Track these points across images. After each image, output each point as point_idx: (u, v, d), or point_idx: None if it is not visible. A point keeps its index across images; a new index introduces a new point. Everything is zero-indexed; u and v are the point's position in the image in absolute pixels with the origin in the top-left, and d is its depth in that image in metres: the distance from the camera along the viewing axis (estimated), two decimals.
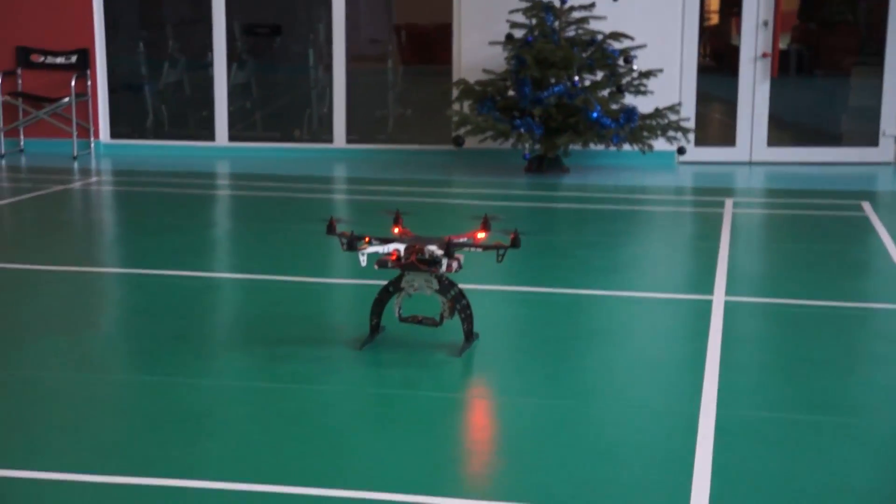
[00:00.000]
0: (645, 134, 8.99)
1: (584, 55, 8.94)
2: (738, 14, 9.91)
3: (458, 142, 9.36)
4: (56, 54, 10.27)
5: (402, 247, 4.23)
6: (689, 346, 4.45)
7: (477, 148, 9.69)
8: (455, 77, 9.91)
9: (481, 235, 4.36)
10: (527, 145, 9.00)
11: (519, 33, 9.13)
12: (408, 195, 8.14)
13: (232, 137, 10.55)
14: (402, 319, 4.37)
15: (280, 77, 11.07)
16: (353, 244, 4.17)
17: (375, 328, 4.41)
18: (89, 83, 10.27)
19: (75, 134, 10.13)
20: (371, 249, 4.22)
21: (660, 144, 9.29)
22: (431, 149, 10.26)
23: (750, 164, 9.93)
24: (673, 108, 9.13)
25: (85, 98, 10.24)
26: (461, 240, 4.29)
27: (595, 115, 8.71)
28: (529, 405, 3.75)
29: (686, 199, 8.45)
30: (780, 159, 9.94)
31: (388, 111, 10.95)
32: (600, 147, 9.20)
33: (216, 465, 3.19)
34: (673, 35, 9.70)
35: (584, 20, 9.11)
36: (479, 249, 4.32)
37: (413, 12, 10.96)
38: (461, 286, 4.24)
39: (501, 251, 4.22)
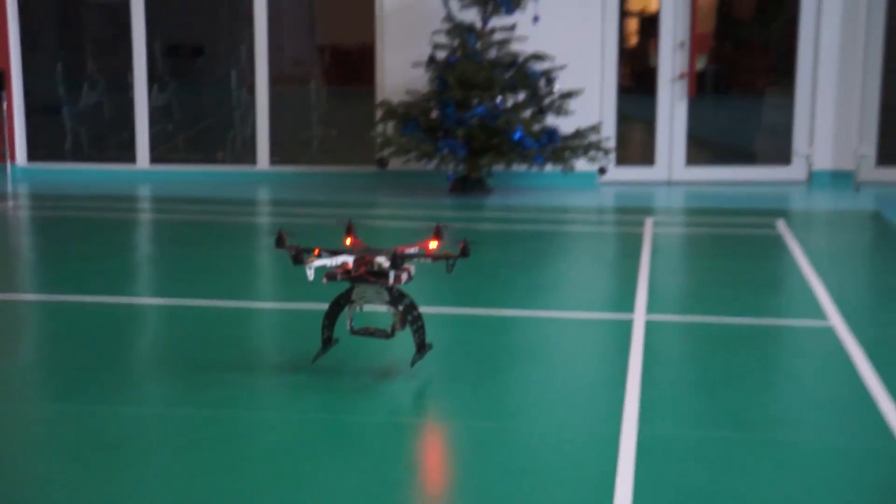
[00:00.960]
0: (567, 154, 9.06)
1: (505, 76, 9.01)
2: (656, 35, 10.04)
3: (383, 163, 9.37)
4: None
5: (350, 259, 4.17)
6: (610, 364, 4.48)
7: (401, 169, 9.70)
8: (378, 98, 9.92)
9: (433, 245, 4.30)
10: (450, 166, 9.03)
11: (441, 55, 9.17)
12: (332, 217, 8.11)
13: (153, 160, 10.45)
14: (353, 332, 4.30)
15: (202, 98, 11.00)
16: (299, 257, 4.12)
17: (328, 341, 4.32)
18: (5, 105, 10.11)
19: None
20: (319, 262, 4.15)
21: (581, 164, 9.38)
22: (356, 170, 10.26)
23: (669, 183, 10.05)
24: (594, 129, 9.22)
25: (0, 120, 10.08)
26: (411, 250, 4.23)
27: (517, 135, 8.77)
28: (455, 427, 3.76)
29: (607, 218, 8.53)
30: (698, 178, 10.07)
31: (312, 133, 10.92)
32: (523, 167, 9.27)
33: (138, 496, 3.15)
34: (593, 56, 9.80)
35: (506, 41, 9.17)
36: (430, 260, 4.27)
37: (336, 33, 10.95)
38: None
39: (451, 261, 4.18)
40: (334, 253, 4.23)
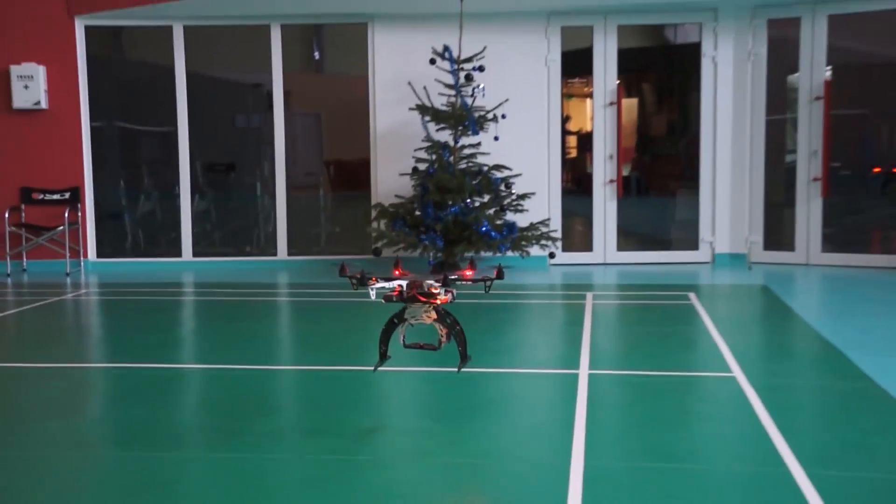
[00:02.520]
0: (523, 243, 9.12)
1: (473, 183, 9.09)
2: (591, 150, 10.16)
3: (377, 252, 9.39)
4: (52, 192, 10.13)
5: (404, 283, 4.14)
6: (561, 410, 4.48)
7: (392, 256, 9.72)
8: (373, 201, 9.98)
9: (469, 273, 4.28)
10: (431, 253, 9.07)
11: (423, 166, 9.25)
12: (338, 295, 8.11)
13: (195, 254, 10.45)
14: (406, 346, 4.23)
15: (234, 204, 11.04)
16: (364, 281, 4.08)
17: (383, 355, 4.26)
18: (79, 214, 10.13)
19: (68, 255, 9.96)
20: (379, 285, 4.12)
21: (535, 251, 9.44)
22: (356, 258, 10.27)
23: (604, 264, 10.09)
24: (544, 223, 9.29)
25: (76, 226, 10.09)
26: (453, 276, 4.20)
27: (484, 228, 8.82)
28: (435, 465, 3.74)
29: (556, 293, 8.55)
30: (626, 260, 10.13)
31: (321, 229, 10.96)
32: (489, 253, 9.32)
33: None
34: (542, 166, 9.91)
35: (473, 155, 9.27)
36: (470, 282, 4.23)
37: (340, 150, 11.05)
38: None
39: (488, 283, 4.15)
40: (388, 280, 4.18)
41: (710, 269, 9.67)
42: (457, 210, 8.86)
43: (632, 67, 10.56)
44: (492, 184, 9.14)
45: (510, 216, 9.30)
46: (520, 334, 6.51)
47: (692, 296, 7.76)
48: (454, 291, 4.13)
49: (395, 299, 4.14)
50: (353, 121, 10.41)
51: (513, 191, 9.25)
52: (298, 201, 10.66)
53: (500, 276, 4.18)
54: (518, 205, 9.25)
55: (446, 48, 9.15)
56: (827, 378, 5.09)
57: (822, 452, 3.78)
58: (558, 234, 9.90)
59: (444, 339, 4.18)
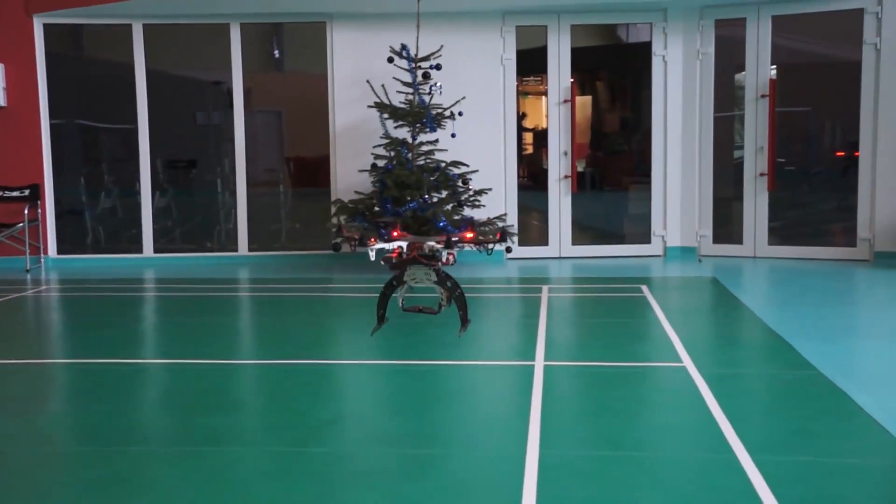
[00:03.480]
0: (481, 238, 9.10)
1: (431, 179, 9.08)
2: (546, 146, 10.20)
3: (336, 248, 9.32)
4: (12, 189, 9.95)
5: (404, 244, 3.98)
6: (517, 401, 4.49)
7: (351, 253, 9.69)
8: (333, 197, 9.93)
9: (469, 235, 4.14)
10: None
11: (381, 163, 9.22)
12: (298, 290, 8.07)
13: (156, 250, 10.33)
14: (405, 309, 4.11)
15: (195, 200, 10.92)
16: (363, 241, 3.96)
17: (381, 318, 4.10)
18: (39, 210, 9.96)
19: (28, 251, 9.78)
20: (378, 246, 3.98)
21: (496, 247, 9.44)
22: (315, 253, 10.22)
23: (560, 258, 10.14)
24: (501, 218, 9.30)
25: (36, 223, 9.92)
26: (455, 238, 4.06)
27: (442, 223, 8.81)
28: (393, 456, 3.73)
29: (513, 286, 8.58)
30: (580, 254, 10.19)
31: (281, 225, 10.88)
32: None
33: None
34: (498, 162, 9.93)
35: (431, 152, 9.26)
36: (472, 245, 4.12)
37: (300, 147, 10.98)
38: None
39: (490, 245, 4.04)
40: (388, 241, 4.02)
41: (661, 262, 9.75)
42: (415, 205, 8.84)
43: (585, 66, 10.61)
44: (449, 180, 9.14)
45: (467, 211, 9.31)
46: (477, 327, 6.51)
47: (644, 288, 7.82)
48: (455, 253, 3.99)
49: (394, 261, 3.97)
50: (313, 118, 10.35)
51: (470, 186, 9.25)
52: (259, 197, 10.58)
53: (502, 238, 4.06)
54: (475, 200, 9.25)
55: (404, 47, 9.13)
56: (773, 367, 5.16)
57: (767, 439, 3.83)
58: (515, 229, 9.92)
59: (444, 303, 4.03)
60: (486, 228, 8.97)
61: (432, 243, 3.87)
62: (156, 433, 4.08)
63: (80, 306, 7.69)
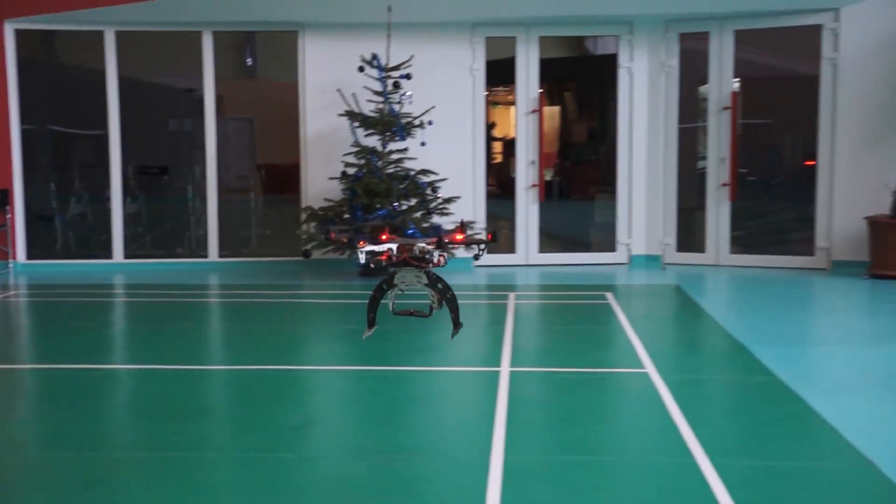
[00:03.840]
0: (449, 245, 9.12)
1: (401, 187, 9.07)
2: (514, 155, 10.24)
3: (306, 254, 9.27)
4: None
5: (394, 247, 3.90)
6: (483, 406, 4.51)
7: (321, 258, 9.68)
8: (303, 204, 9.90)
9: (459, 237, 4.07)
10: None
11: (351, 171, 9.21)
12: (267, 297, 8.05)
13: (127, 256, 10.25)
14: (395, 313, 4.03)
15: (166, 206, 10.85)
16: (352, 245, 3.93)
17: (371, 322, 4.03)
18: (9, 216, 9.85)
19: None
20: (368, 248, 3.90)
21: (460, 252, 9.45)
22: (286, 260, 10.19)
23: (527, 266, 10.19)
24: (469, 225, 9.32)
25: (5, 228, 9.81)
26: (445, 240, 3.98)
27: (411, 231, 8.82)
28: (360, 460, 3.74)
29: (481, 293, 8.61)
30: (547, 262, 10.23)
31: (251, 231, 10.84)
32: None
33: None
34: (467, 171, 9.96)
35: (401, 160, 9.26)
36: (463, 246, 4.04)
37: (271, 154, 10.96)
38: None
39: (482, 246, 3.97)
40: (376, 244, 3.94)
41: (626, 269, 9.82)
42: (384, 213, 8.84)
43: (553, 77, 10.68)
44: (418, 188, 9.14)
45: (436, 219, 9.31)
46: (444, 333, 6.52)
47: (609, 295, 7.88)
48: (446, 255, 3.92)
49: (384, 264, 3.90)
50: (285, 126, 10.32)
51: (439, 195, 9.26)
52: (230, 204, 10.53)
53: (493, 239, 4.01)
54: (444, 208, 9.25)
55: (375, 56, 9.14)
56: (732, 373, 5.23)
57: (726, 443, 3.89)
58: (483, 237, 9.94)
59: (436, 306, 3.96)
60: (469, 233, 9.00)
61: (423, 245, 3.81)
62: (124, 439, 4.06)
63: (49, 312, 7.62)
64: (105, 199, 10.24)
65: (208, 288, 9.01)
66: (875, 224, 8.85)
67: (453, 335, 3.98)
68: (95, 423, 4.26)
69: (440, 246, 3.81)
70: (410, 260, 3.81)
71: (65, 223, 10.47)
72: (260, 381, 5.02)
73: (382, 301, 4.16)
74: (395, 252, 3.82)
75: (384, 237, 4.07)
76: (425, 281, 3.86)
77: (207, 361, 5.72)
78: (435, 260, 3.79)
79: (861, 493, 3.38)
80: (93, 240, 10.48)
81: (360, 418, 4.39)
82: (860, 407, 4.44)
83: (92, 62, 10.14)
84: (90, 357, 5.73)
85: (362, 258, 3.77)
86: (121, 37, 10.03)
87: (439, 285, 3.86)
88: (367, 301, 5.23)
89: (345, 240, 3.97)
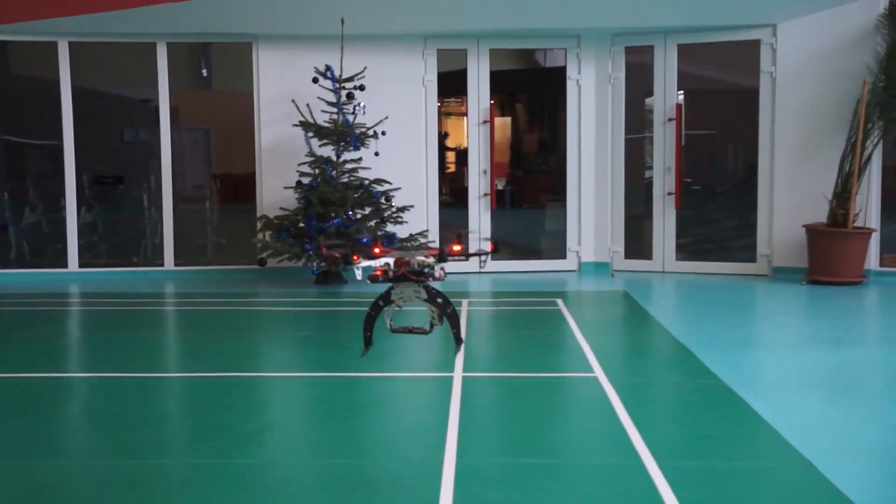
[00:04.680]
0: (450, 258, 9.09)
1: (355, 196, 9.05)
2: (466, 165, 10.28)
3: (262, 262, 9.25)
4: None
5: (390, 261, 3.73)
6: (436, 411, 4.51)
7: (276, 266, 9.61)
8: (259, 213, 9.83)
9: (457, 248, 3.90)
10: (314, 264, 8.99)
11: (306, 180, 9.17)
12: (223, 304, 7.96)
13: (82, 265, 10.08)
14: (393, 330, 3.87)
15: (122, 216, 10.69)
16: (347, 260, 3.80)
17: (367, 340, 3.87)
18: None
19: None
20: (365, 264, 3.75)
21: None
22: (241, 268, 10.11)
23: (479, 273, 10.21)
24: (422, 234, 9.33)
25: None
26: (446, 251, 3.82)
27: (365, 240, 8.80)
28: (314, 466, 3.72)
29: None
30: (500, 269, 10.27)
31: (207, 240, 10.73)
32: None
33: None
34: (420, 180, 9.97)
35: (355, 170, 9.24)
36: (463, 257, 3.88)
37: (227, 164, 10.86)
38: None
39: (484, 257, 3.85)
40: (371, 258, 3.75)
41: (576, 276, 9.89)
42: (339, 222, 8.81)
43: (504, 88, 10.73)
44: (372, 197, 9.13)
45: (390, 227, 9.31)
46: (398, 340, 6.50)
47: (560, 302, 7.92)
48: (445, 268, 3.77)
49: (380, 279, 3.74)
50: (240, 136, 10.24)
51: (393, 203, 9.26)
52: (186, 213, 10.41)
53: (495, 250, 3.86)
54: (398, 217, 9.25)
55: (328, 68, 9.12)
56: (678, 376, 5.29)
57: (672, 445, 3.93)
58: (436, 245, 9.95)
59: (436, 322, 3.81)
60: (409, 244, 8.99)
61: (421, 258, 3.66)
62: (77, 446, 3.99)
63: (1, 321, 7.45)
64: (60, 209, 10.06)
65: (164, 296, 8.90)
66: (812, 232, 9.02)
67: (456, 352, 3.83)
68: (48, 432, 4.18)
69: (442, 258, 3.66)
70: (409, 274, 3.64)
71: (19, 232, 10.26)
72: (215, 389, 4.96)
73: (389, 307, 3.98)
74: (392, 266, 3.65)
75: (377, 251, 3.89)
76: (424, 296, 3.68)
77: (162, 369, 5.64)
78: (436, 274, 3.64)
79: (799, 492, 3.43)
80: (47, 249, 10.29)
81: (314, 424, 4.36)
82: (799, 408, 4.52)
83: (46, 72, 9.97)
84: (43, 365, 5.62)
85: (359, 274, 3.61)
86: (74, 47, 9.88)
87: (439, 300, 3.68)
88: (320, 308, 5.22)
89: (338, 255, 3.84)
